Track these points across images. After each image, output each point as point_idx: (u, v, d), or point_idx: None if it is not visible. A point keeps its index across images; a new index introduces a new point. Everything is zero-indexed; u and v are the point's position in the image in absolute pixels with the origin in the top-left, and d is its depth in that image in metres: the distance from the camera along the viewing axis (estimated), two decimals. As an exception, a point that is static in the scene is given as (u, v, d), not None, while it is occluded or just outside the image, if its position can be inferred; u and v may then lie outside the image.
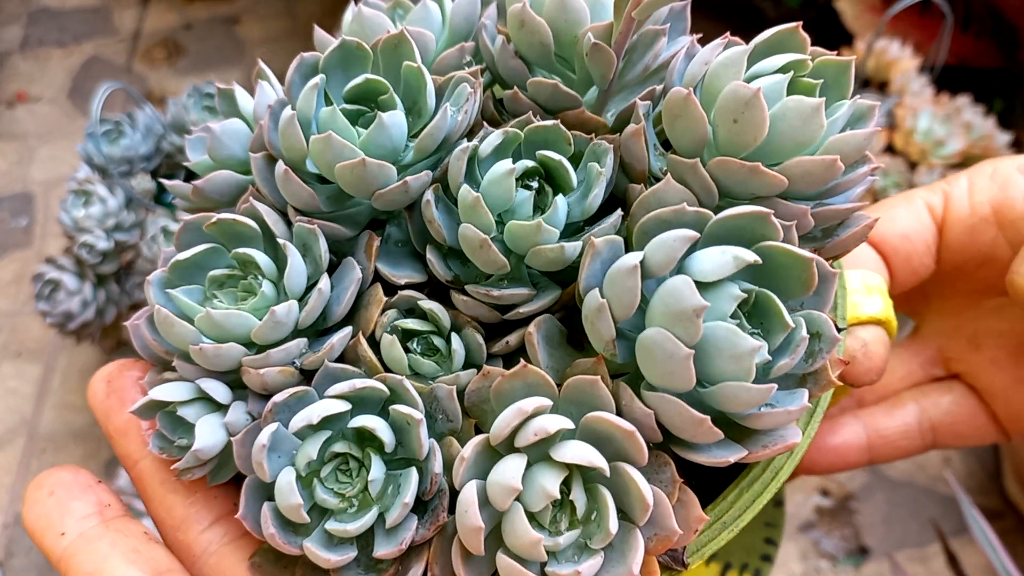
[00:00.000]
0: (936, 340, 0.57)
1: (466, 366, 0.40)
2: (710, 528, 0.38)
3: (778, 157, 0.37)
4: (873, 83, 1.18)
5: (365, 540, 0.37)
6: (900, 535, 1.06)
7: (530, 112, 0.40)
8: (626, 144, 0.40)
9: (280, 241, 0.38)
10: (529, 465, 0.35)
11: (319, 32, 0.47)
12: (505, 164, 0.37)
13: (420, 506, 0.37)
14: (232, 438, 0.38)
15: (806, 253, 0.35)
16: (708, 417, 0.34)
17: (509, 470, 0.33)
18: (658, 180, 0.40)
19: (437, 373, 0.40)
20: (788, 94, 0.38)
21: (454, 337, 0.39)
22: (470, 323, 0.40)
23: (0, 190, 1.50)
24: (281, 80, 0.44)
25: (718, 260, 0.34)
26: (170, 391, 0.38)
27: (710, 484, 0.40)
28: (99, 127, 1.02)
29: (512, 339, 0.39)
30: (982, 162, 0.51)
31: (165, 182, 0.47)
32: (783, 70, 0.38)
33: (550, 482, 0.34)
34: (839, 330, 0.38)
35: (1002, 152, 1.12)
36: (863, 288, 0.47)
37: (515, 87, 0.43)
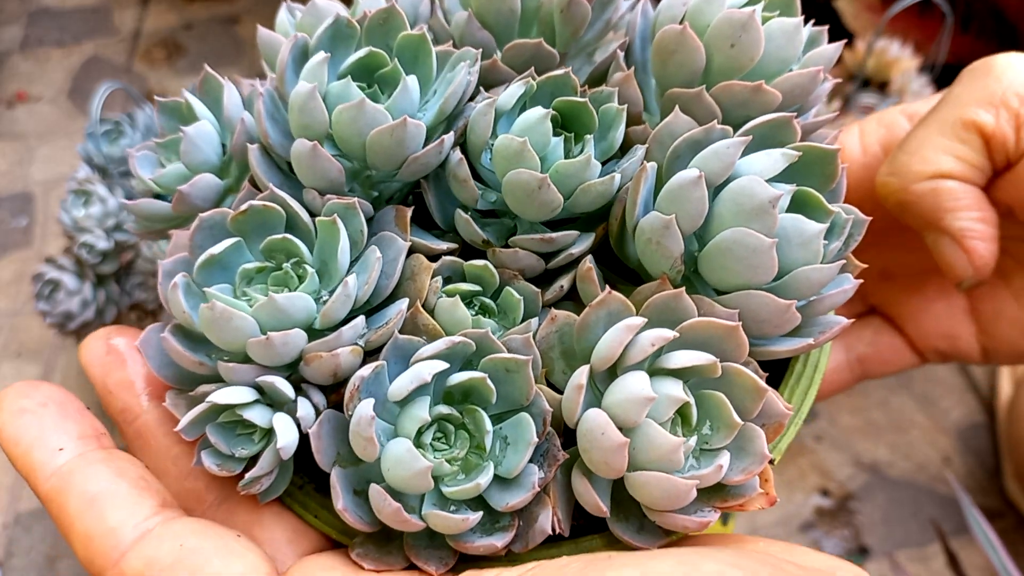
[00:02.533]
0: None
1: (524, 317, 0.39)
2: (779, 424, 0.41)
3: (766, 76, 0.41)
4: (873, 83, 1.17)
5: (478, 500, 0.35)
6: (900, 535, 1.07)
7: (531, 69, 0.41)
8: (622, 89, 0.42)
9: (324, 219, 0.36)
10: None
11: (263, 31, 0.45)
12: (538, 110, 0.38)
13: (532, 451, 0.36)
14: (309, 431, 0.35)
15: (831, 146, 0.38)
16: (794, 301, 0.36)
17: (635, 384, 0.34)
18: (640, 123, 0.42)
19: (497, 330, 0.39)
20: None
21: (509, 290, 0.39)
22: (516, 276, 0.40)
23: (0, 190, 1.47)
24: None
25: (767, 160, 0.37)
26: (231, 394, 0.35)
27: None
28: (99, 127, 0.99)
29: (565, 282, 0.40)
30: (871, 115, 0.58)
31: (124, 203, 0.42)
32: (752, 2, 0.42)
33: (673, 388, 0.34)
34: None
35: None
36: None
37: (493, 56, 0.44)
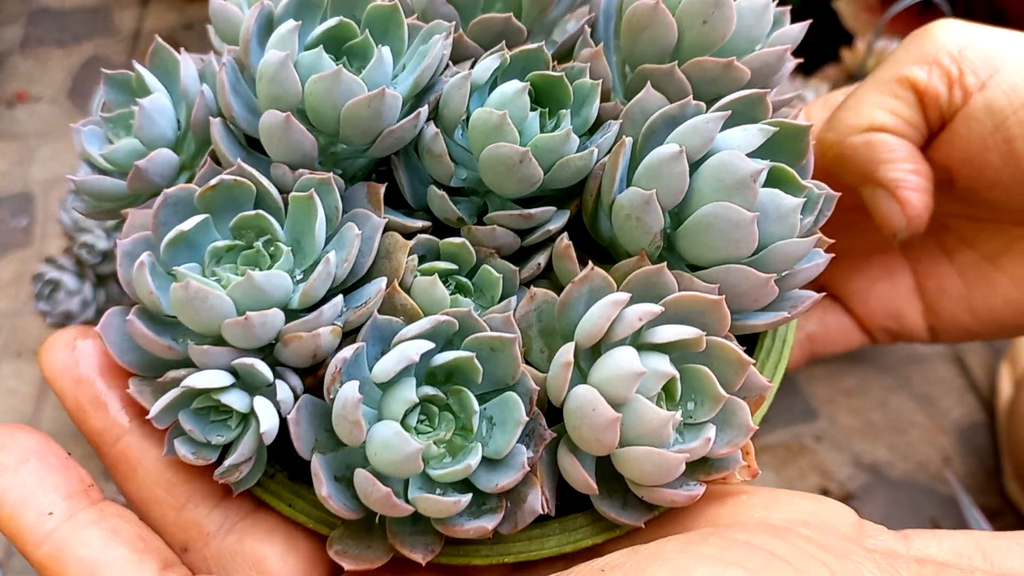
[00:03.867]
0: None
1: (503, 295, 0.39)
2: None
3: (736, 54, 0.41)
4: None
5: (465, 482, 0.34)
6: None
7: (502, 43, 0.41)
8: (592, 64, 0.42)
9: (298, 194, 0.35)
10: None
11: (216, 1, 0.43)
12: (514, 84, 0.38)
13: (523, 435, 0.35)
14: (287, 417, 0.34)
15: (803, 122, 0.39)
16: (773, 274, 0.36)
17: (624, 359, 0.34)
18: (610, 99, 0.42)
19: (476, 309, 0.38)
20: None
21: (487, 268, 0.38)
22: (492, 254, 0.39)
23: (0, 190, 1.45)
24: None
25: (745, 136, 0.37)
26: (207, 378, 0.33)
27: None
28: None
29: (541, 259, 0.39)
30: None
31: (72, 178, 0.40)
32: (723, -21, 0.42)
33: (661, 363, 0.34)
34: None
35: None
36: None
37: (459, 31, 0.43)
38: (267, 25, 0.38)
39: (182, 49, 0.41)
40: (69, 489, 0.34)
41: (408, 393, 0.33)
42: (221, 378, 0.33)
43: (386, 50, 0.37)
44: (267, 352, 0.35)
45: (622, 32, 0.42)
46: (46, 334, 1.20)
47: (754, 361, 0.36)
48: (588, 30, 0.43)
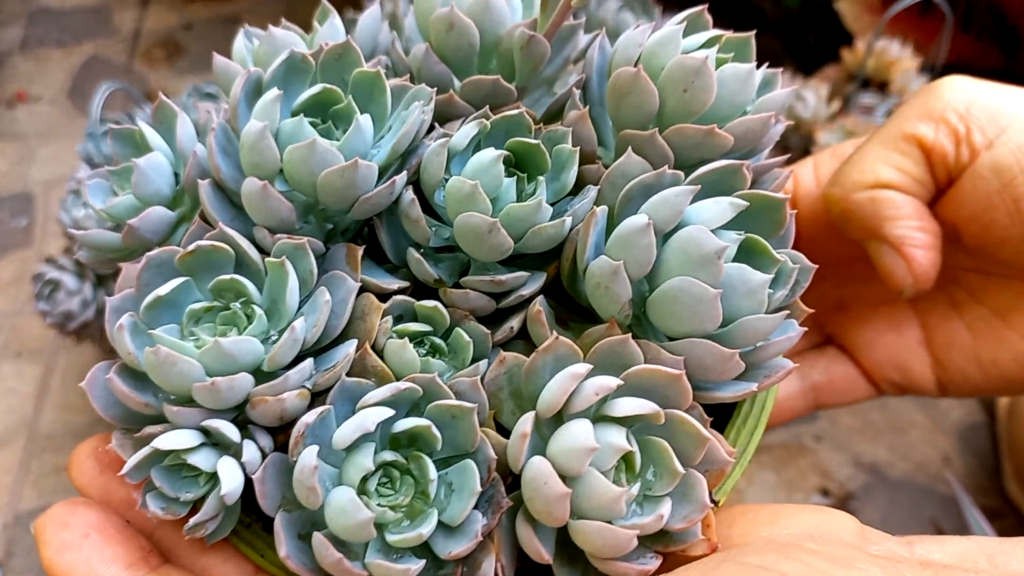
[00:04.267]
0: (811, 307, 0.64)
1: (474, 358, 0.40)
2: (725, 465, 0.41)
3: (719, 120, 0.42)
4: (873, 83, 1.16)
5: (423, 547, 0.35)
6: (900, 535, 1.06)
7: (486, 107, 0.41)
8: (576, 128, 0.42)
9: (273, 260, 0.36)
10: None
11: (219, 59, 0.45)
12: (490, 152, 0.38)
13: (480, 499, 0.36)
14: (253, 476, 0.35)
15: (779, 195, 0.39)
16: (737, 350, 0.36)
17: (578, 433, 0.34)
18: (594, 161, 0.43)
19: (446, 371, 0.39)
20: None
21: (459, 331, 0.39)
22: (466, 317, 0.40)
23: (0, 190, 1.46)
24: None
25: (716, 209, 0.37)
26: (175, 439, 0.35)
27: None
28: (99, 127, 0.98)
29: (515, 323, 0.40)
30: (824, 150, 0.59)
31: (75, 232, 0.42)
32: (708, 44, 0.42)
33: (617, 437, 0.35)
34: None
35: None
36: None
37: (450, 91, 0.44)
38: (255, 91, 0.40)
39: (186, 99, 0.43)
40: (129, 559, 0.36)
41: (365, 461, 0.34)
42: (189, 439, 0.35)
43: (365, 118, 0.38)
44: (240, 411, 0.37)
45: (608, 96, 0.42)
46: (46, 334, 1.25)
47: (712, 437, 0.36)
48: (577, 92, 0.44)
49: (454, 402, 0.35)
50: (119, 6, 1.78)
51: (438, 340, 0.39)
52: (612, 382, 0.35)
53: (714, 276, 0.36)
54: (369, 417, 0.34)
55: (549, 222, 0.38)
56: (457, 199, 0.38)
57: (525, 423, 0.35)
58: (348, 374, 0.38)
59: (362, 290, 0.40)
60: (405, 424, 0.35)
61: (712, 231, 0.37)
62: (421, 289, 0.41)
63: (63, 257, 1.07)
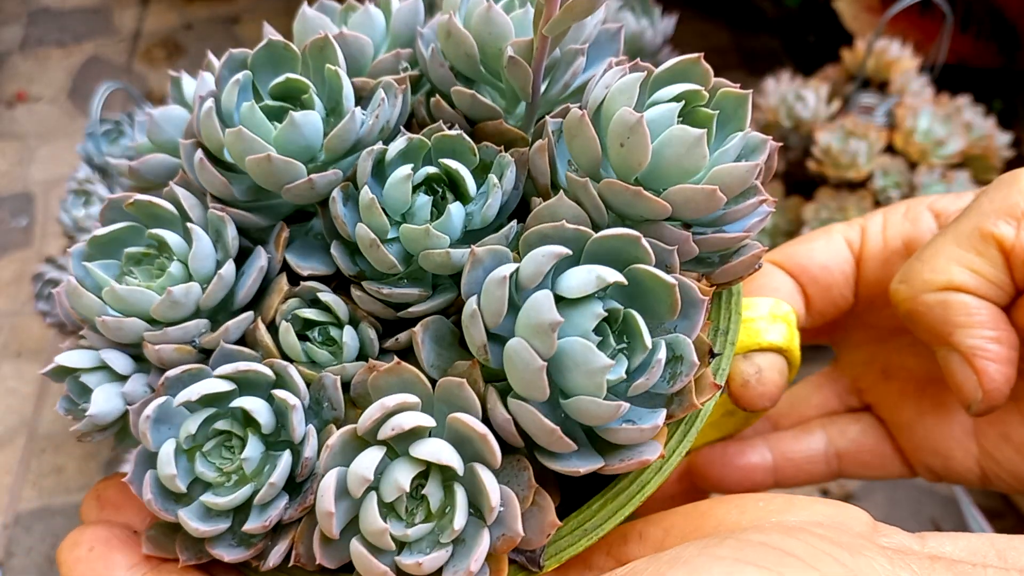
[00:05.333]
0: (852, 370, 0.58)
1: (360, 358, 0.41)
2: (571, 534, 0.40)
3: (665, 183, 0.39)
4: (873, 83, 1.17)
5: (242, 514, 0.39)
6: None
7: (440, 121, 0.42)
8: (532, 158, 0.42)
9: (188, 225, 0.41)
10: (394, 457, 0.37)
11: (268, 28, 0.49)
12: (404, 169, 0.39)
13: (295, 488, 0.39)
14: (129, 407, 0.40)
15: (669, 278, 0.36)
16: (558, 428, 0.35)
17: (365, 461, 0.35)
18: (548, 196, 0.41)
19: (331, 363, 0.41)
20: (688, 123, 0.40)
21: (347, 330, 0.41)
22: (367, 318, 0.42)
23: (0, 190, 1.50)
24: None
25: (583, 278, 0.35)
26: (76, 358, 0.41)
27: (587, 490, 0.42)
28: (99, 127, 1.03)
29: (402, 337, 0.41)
30: (897, 203, 0.52)
31: (109, 159, 0.49)
32: (677, 99, 0.39)
33: (403, 476, 0.35)
34: (713, 355, 0.39)
35: (1002, 152, 1.12)
36: (769, 316, 0.48)
37: (441, 95, 0.45)
38: (238, 69, 0.43)
39: (205, 74, 0.47)
40: (130, 562, 0.41)
41: (190, 423, 0.38)
42: (87, 360, 0.41)
43: (302, 114, 0.40)
44: (141, 348, 0.42)
45: (564, 134, 0.41)
46: (46, 334, 1.24)
47: (496, 506, 0.35)
48: (552, 122, 0.42)
49: (283, 395, 0.38)
50: (119, 6, 1.76)
51: (336, 332, 0.42)
52: (412, 423, 0.35)
53: (546, 347, 0.35)
54: (198, 388, 0.37)
55: (437, 250, 0.39)
56: (361, 208, 0.39)
57: (336, 436, 0.37)
58: (246, 345, 0.42)
59: (287, 271, 0.43)
60: (240, 402, 0.38)
61: (576, 299, 0.36)
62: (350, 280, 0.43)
63: (63, 257, 1.07)
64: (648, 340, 0.36)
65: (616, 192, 0.38)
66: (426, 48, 0.46)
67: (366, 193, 0.39)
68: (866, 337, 0.56)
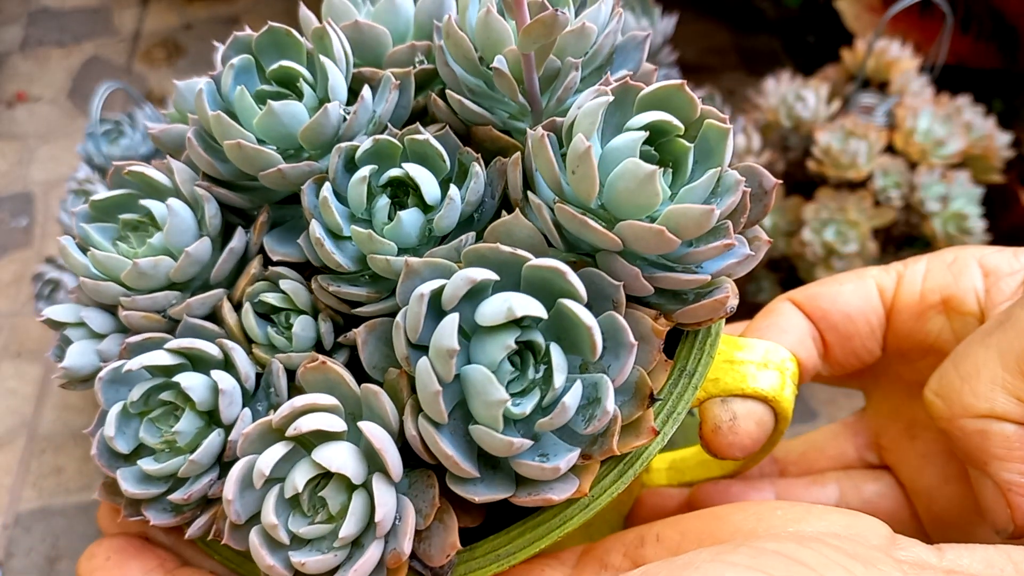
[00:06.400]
0: (875, 423, 0.53)
1: (317, 349, 0.42)
2: (483, 556, 0.39)
3: (622, 215, 0.37)
4: (873, 83, 1.18)
5: (175, 484, 0.41)
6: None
7: (418, 123, 0.41)
8: (507, 170, 0.40)
9: (169, 200, 0.42)
10: (302, 455, 0.37)
11: (304, 10, 0.50)
12: (365, 171, 0.39)
13: (226, 467, 0.40)
14: (101, 364, 0.42)
15: (587, 318, 0.34)
16: (454, 454, 0.35)
17: (268, 456, 0.36)
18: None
19: (288, 349, 0.42)
20: (662, 154, 0.38)
21: (301, 319, 0.42)
22: (327, 310, 0.42)
23: (0, 190, 1.50)
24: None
25: (496, 307, 0.34)
26: (61, 312, 0.43)
27: (515, 515, 0.41)
28: (99, 127, 1.03)
29: (350, 334, 0.41)
30: (947, 248, 0.47)
31: (150, 126, 0.52)
32: (647, 128, 0.37)
33: (300, 476, 0.36)
34: (654, 400, 0.37)
35: (1002, 152, 1.11)
36: (761, 361, 0.44)
37: (436, 93, 0.44)
38: (242, 51, 0.44)
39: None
40: (146, 567, 0.43)
41: (135, 391, 0.40)
42: (70, 315, 0.43)
43: (282, 104, 0.41)
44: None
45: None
46: (46, 334, 1.22)
47: (382, 519, 0.35)
48: (531, 133, 0.41)
49: (219, 375, 0.39)
50: (119, 6, 1.72)
51: (294, 319, 0.42)
52: (313, 425, 0.35)
53: (445, 372, 0.34)
54: (143, 358, 0.39)
55: (381, 255, 0.38)
56: (319, 204, 0.40)
57: (255, 425, 0.38)
58: (216, 322, 0.43)
59: (263, 255, 0.44)
60: (180, 378, 0.40)
61: (491, 327, 0.35)
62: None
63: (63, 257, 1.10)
64: (558, 379, 0.35)
65: (567, 219, 0.37)
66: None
67: (325, 191, 0.39)
68: (893, 390, 0.51)
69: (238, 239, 0.43)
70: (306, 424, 0.35)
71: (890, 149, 1.13)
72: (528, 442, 0.35)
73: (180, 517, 0.40)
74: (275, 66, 0.43)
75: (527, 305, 0.34)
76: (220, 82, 0.43)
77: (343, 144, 0.40)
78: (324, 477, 0.37)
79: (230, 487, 0.36)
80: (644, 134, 0.36)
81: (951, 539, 0.47)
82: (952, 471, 0.48)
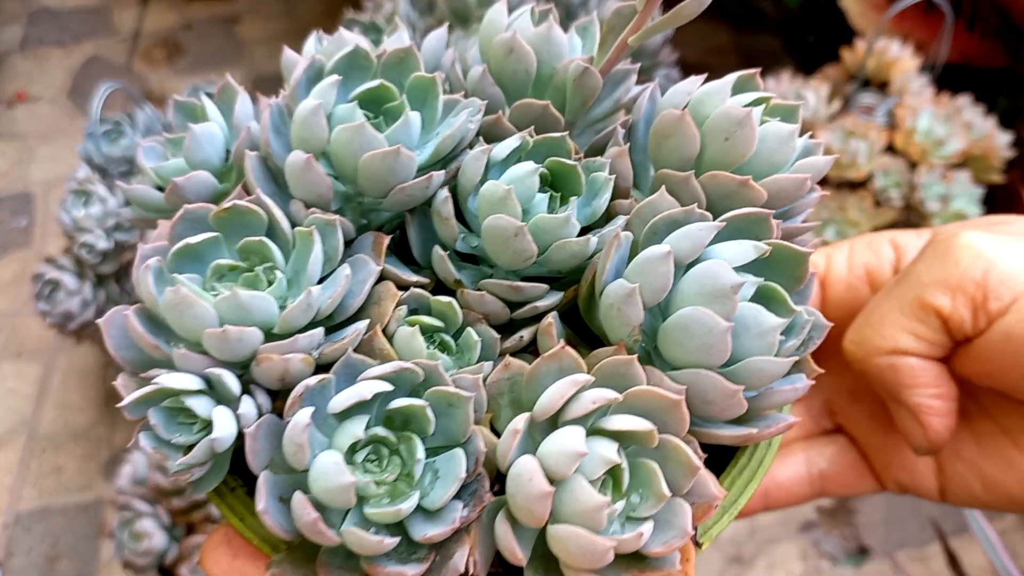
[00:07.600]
0: (824, 393, 0.63)
1: (480, 360, 0.40)
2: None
3: (755, 174, 0.43)
4: (873, 83, 1.18)
5: (399, 527, 0.35)
6: (900, 535, 1.06)
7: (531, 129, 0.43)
8: (614, 163, 0.44)
9: (302, 229, 0.38)
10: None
11: (288, 53, 0.47)
12: (528, 164, 0.40)
13: (460, 489, 0.36)
14: (245, 430, 0.35)
15: (804, 248, 0.39)
16: (742, 387, 0.37)
17: (570, 438, 0.34)
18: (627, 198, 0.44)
19: (451, 367, 0.40)
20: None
21: (470, 330, 0.40)
22: (480, 320, 0.40)
23: (0, 190, 1.48)
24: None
25: (739, 249, 0.38)
26: (178, 379, 0.35)
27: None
28: (99, 127, 1.01)
29: (526, 334, 0.40)
30: (864, 234, 0.60)
31: (122, 185, 0.44)
32: (755, 103, 0.43)
33: (607, 449, 0.35)
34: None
35: (1002, 151, 1.15)
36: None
37: (498, 112, 0.46)
38: (316, 76, 0.41)
39: (241, 90, 0.45)
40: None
41: (356, 428, 0.34)
42: (191, 382, 0.35)
43: (415, 115, 0.40)
44: (245, 369, 0.37)
45: (651, 137, 0.44)
46: (46, 334, 1.25)
47: (703, 468, 0.36)
48: (621, 131, 0.45)
49: (452, 389, 0.36)
50: (119, 6, 1.81)
51: (448, 337, 0.40)
52: (610, 394, 0.35)
53: (728, 310, 0.36)
54: (367, 388, 0.34)
55: (574, 239, 0.39)
56: (490, 201, 0.39)
57: (519, 421, 0.35)
58: (356, 352, 0.39)
59: (384, 279, 0.41)
60: (401, 403, 0.35)
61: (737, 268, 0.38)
62: (441, 291, 0.42)
63: (63, 257, 1.08)
64: (792, 304, 0.39)
65: (720, 183, 0.41)
66: (464, 71, 0.47)
67: (496, 186, 0.39)
68: (835, 361, 0.62)
69: (371, 264, 0.39)
70: (606, 394, 0.35)
71: (890, 149, 1.13)
72: (795, 358, 0.38)
73: (426, 562, 0.35)
74: (369, 86, 0.41)
75: (760, 244, 0.38)
76: (293, 105, 0.40)
77: (483, 147, 0.40)
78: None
79: (540, 482, 0.33)
80: (761, 106, 0.43)
81: (899, 480, 0.59)
82: (892, 423, 0.59)
